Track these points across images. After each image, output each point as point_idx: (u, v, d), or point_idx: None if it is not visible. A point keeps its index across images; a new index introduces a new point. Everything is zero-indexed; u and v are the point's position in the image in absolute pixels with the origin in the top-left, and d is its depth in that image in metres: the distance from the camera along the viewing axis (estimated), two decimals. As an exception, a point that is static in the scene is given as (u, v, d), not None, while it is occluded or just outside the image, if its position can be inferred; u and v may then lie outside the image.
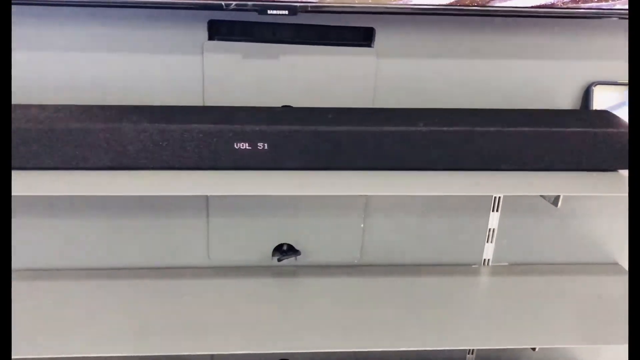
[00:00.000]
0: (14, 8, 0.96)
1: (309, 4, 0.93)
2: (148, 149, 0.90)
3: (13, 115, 0.91)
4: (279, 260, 1.17)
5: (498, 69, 1.09)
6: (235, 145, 0.90)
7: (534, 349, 1.16)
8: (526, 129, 0.95)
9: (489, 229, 1.21)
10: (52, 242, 1.14)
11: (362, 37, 1.05)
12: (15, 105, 0.96)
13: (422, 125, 0.93)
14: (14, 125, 0.88)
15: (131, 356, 0.99)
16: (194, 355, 1.16)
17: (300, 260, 1.19)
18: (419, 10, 0.96)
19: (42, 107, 0.95)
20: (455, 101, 1.10)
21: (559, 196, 1.02)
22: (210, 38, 1.02)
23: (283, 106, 1.07)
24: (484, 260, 1.24)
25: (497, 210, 1.19)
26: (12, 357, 0.95)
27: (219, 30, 1.03)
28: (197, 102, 1.06)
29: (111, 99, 1.04)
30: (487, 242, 1.22)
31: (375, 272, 1.20)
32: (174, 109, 0.98)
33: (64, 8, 0.98)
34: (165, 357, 1.14)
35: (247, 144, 0.91)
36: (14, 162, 0.89)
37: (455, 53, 1.07)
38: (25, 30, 0.99)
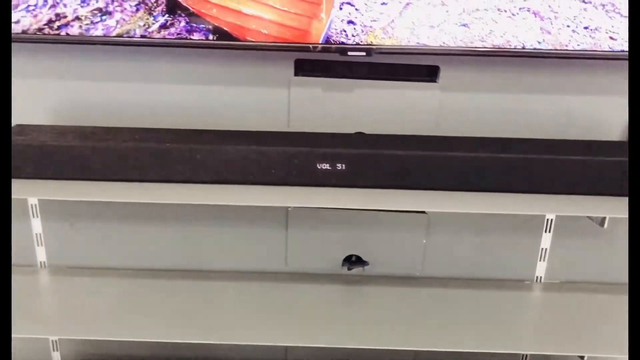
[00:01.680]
0: (136, 49, 1.16)
1: (383, 47, 1.08)
2: (244, 167, 1.07)
3: (136, 136, 1.10)
4: (348, 269, 1.31)
5: (551, 103, 1.21)
6: (317, 166, 1.06)
7: (582, 357, 1.25)
8: (576, 157, 1.07)
9: (542, 248, 1.32)
10: (158, 245, 1.33)
11: (428, 74, 1.20)
12: (138, 128, 1.16)
13: (481, 151, 1.07)
14: (135, 144, 1.07)
15: (215, 344, 1.14)
16: (267, 345, 1.31)
17: (367, 270, 1.33)
18: (478, 52, 1.10)
19: (157, 131, 1.14)
20: (511, 131, 1.22)
21: (604, 218, 1.13)
22: (296, 74, 1.20)
23: (356, 132, 1.22)
24: (537, 277, 1.34)
25: (549, 231, 1.30)
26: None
27: (303, 68, 1.20)
28: (282, 128, 1.23)
29: (211, 124, 1.22)
30: (540, 260, 1.33)
31: (435, 284, 1.33)
32: (265, 134, 1.15)
33: (177, 49, 1.17)
34: (242, 346, 1.30)
35: (327, 165, 1.06)
36: (132, 175, 1.08)
37: (511, 89, 1.20)
38: (144, 65, 1.20)
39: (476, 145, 1.11)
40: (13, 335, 1.13)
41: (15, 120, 1.21)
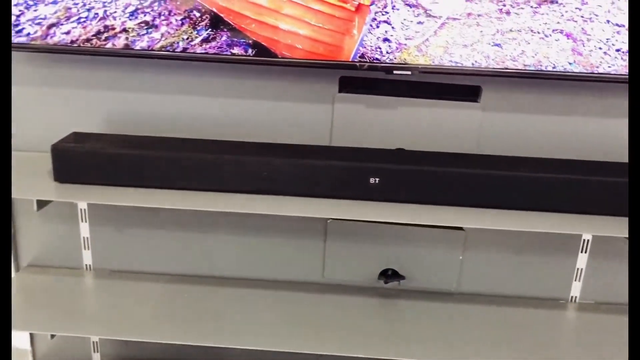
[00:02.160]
0: (196, 64, 1.21)
1: (428, 66, 1.11)
2: (287, 179, 1.11)
3: (185, 145, 1.14)
4: (385, 282, 1.33)
5: (590, 125, 1.23)
6: (358, 180, 1.09)
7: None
8: (615, 179, 1.09)
9: (578, 268, 1.33)
10: (200, 252, 1.37)
11: (470, 94, 1.22)
12: (186, 138, 1.21)
13: (520, 170, 1.09)
14: (183, 154, 1.11)
15: (250, 350, 1.17)
16: (301, 353, 1.34)
17: (403, 284, 1.35)
18: (521, 74, 1.13)
19: (203, 142, 1.19)
20: (551, 152, 1.24)
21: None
22: (340, 91, 1.23)
23: (397, 149, 1.25)
24: (572, 297, 1.35)
25: (585, 252, 1.31)
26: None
27: (347, 85, 1.23)
28: (325, 142, 1.27)
29: (258, 137, 1.26)
30: (575, 280, 1.34)
31: (470, 300, 1.34)
32: (308, 147, 1.19)
33: (227, 65, 1.22)
34: (275, 352, 1.32)
35: (369, 179, 1.09)
36: (179, 183, 1.12)
37: (551, 110, 1.22)
38: (192, 79, 1.24)
39: (515, 164, 1.13)
40: (56, 334, 1.18)
41: (72, 128, 1.27)
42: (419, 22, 1.09)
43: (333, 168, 1.10)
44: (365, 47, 1.11)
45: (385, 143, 1.25)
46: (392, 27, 1.10)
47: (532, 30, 1.09)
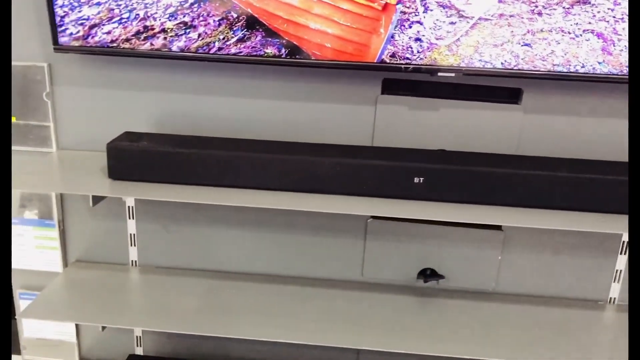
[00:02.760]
0: (238, 66, 1.25)
1: (471, 69, 1.14)
2: (330, 177, 1.14)
3: (230, 145, 1.18)
4: (424, 281, 1.36)
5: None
6: (414, 180, 1.12)
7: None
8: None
9: (617, 270, 1.34)
10: (241, 250, 1.41)
11: (511, 96, 1.25)
12: (231, 138, 1.24)
13: (560, 170, 1.11)
14: (229, 153, 1.15)
15: (289, 347, 1.20)
16: (341, 347, 1.36)
17: (441, 284, 1.37)
18: (560, 76, 1.15)
19: (248, 141, 1.22)
20: (590, 154, 1.26)
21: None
22: (383, 92, 1.26)
23: (439, 150, 1.27)
24: (610, 298, 1.36)
25: (624, 253, 1.32)
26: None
27: (390, 87, 1.26)
28: (367, 143, 1.29)
29: (302, 138, 1.30)
30: (614, 281, 1.35)
31: (508, 300, 1.36)
32: (351, 147, 1.22)
33: (272, 67, 1.25)
34: (313, 346, 1.35)
35: (412, 178, 1.12)
36: (225, 180, 1.16)
37: (591, 112, 1.24)
38: (237, 80, 1.28)
39: (555, 165, 1.15)
40: (101, 325, 1.22)
41: (122, 128, 1.31)
42: (451, 23, 1.12)
43: (378, 167, 1.13)
44: (396, 47, 1.13)
45: (426, 144, 1.28)
46: (424, 27, 1.12)
47: (562, 31, 1.11)
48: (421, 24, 1.12)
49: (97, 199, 1.19)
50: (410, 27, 1.12)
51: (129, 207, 1.39)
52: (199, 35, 1.17)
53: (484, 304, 1.35)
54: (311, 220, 1.36)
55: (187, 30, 1.17)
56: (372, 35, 1.13)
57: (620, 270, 1.34)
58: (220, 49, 1.17)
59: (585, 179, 1.11)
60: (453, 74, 1.14)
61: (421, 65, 1.14)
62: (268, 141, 1.24)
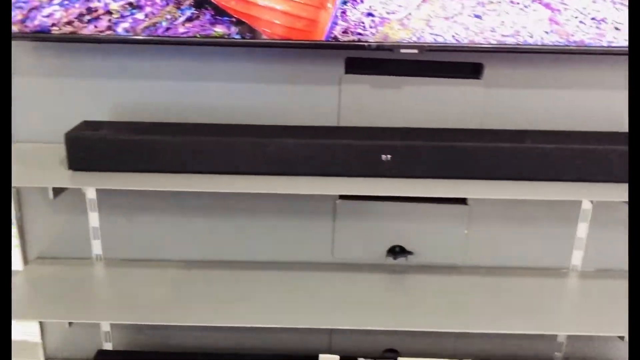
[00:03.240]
0: (207, 49, 1.22)
1: (434, 44, 1.14)
2: (297, 159, 1.13)
3: (193, 130, 1.16)
4: (394, 258, 1.37)
5: (589, 98, 1.27)
6: (382, 158, 1.12)
7: (622, 337, 1.30)
8: (610, 146, 1.13)
9: (578, 237, 1.38)
10: (208, 237, 1.39)
11: (473, 71, 1.26)
12: (194, 123, 1.22)
13: (529, 141, 1.13)
14: (192, 138, 1.13)
15: (260, 333, 1.19)
16: (314, 328, 1.36)
17: (410, 260, 1.39)
18: (519, 49, 1.16)
19: (211, 126, 1.20)
20: (552, 125, 1.29)
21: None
22: (346, 72, 1.26)
23: (404, 127, 1.28)
24: (573, 265, 1.40)
25: (585, 221, 1.36)
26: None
27: (353, 65, 1.26)
28: (333, 123, 1.29)
29: (265, 120, 1.28)
30: (576, 249, 1.39)
31: (475, 273, 1.38)
32: (317, 128, 1.21)
33: (233, 48, 1.23)
34: (286, 329, 1.35)
35: (377, 156, 1.12)
36: (189, 167, 1.14)
37: (552, 84, 1.26)
38: (199, 64, 1.26)
39: (518, 137, 1.17)
40: (68, 321, 1.19)
41: (80, 118, 1.27)
42: None
43: (345, 147, 1.13)
44: (348, 22, 1.13)
45: (391, 122, 1.28)
46: (380, 1, 1.12)
47: (512, 1, 1.12)
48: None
49: (57, 192, 1.15)
50: (362, 1, 1.12)
51: (90, 199, 1.35)
52: (146, 15, 1.13)
53: (452, 277, 1.37)
54: (279, 203, 1.35)
55: (133, 11, 1.13)
56: (320, 10, 1.12)
57: (582, 238, 1.38)
58: (168, 29, 1.14)
59: (545, 149, 1.13)
60: (416, 50, 1.15)
61: (383, 42, 1.14)
62: (231, 125, 1.22)
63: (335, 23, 1.13)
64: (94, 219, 1.36)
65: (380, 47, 1.15)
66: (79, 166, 1.13)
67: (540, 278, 1.37)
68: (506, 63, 1.25)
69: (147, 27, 1.14)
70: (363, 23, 1.13)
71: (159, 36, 1.14)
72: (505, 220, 1.37)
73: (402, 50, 1.15)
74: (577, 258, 1.40)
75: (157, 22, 1.13)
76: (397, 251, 1.38)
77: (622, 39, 1.15)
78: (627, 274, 1.39)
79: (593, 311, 1.24)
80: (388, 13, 1.13)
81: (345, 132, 1.19)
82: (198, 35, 1.14)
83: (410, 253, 1.37)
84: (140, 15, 1.13)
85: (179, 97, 1.28)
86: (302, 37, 1.14)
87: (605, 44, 1.15)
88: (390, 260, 1.39)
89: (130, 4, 1.12)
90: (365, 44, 1.14)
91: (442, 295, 1.30)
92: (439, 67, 1.26)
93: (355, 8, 1.12)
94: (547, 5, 1.13)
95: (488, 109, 1.28)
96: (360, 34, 1.13)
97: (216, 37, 1.14)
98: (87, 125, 1.19)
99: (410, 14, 1.13)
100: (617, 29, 1.14)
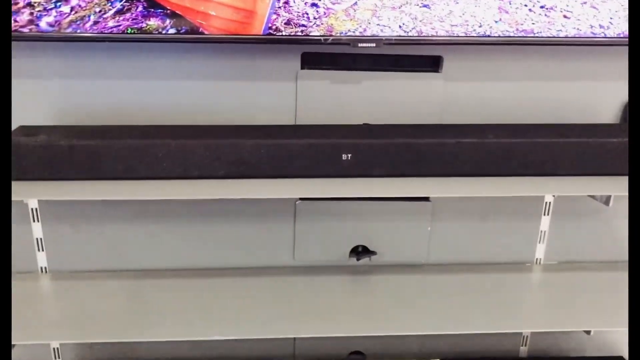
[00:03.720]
0: (152, 45, 1.15)
1: (392, 37, 1.10)
2: (252, 161, 1.08)
3: (139, 133, 1.09)
4: (357, 259, 1.32)
5: (549, 90, 1.25)
6: (342, 157, 1.08)
7: (588, 332, 1.30)
8: (576, 139, 1.12)
9: (541, 231, 1.36)
10: (162, 244, 1.32)
11: (432, 64, 1.22)
12: (140, 126, 1.15)
13: (491, 137, 1.10)
14: (137, 142, 1.06)
15: (221, 342, 1.13)
16: (276, 340, 1.31)
17: (374, 260, 1.35)
18: (480, 41, 1.14)
19: (159, 128, 1.13)
20: (512, 118, 1.26)
21: (610, 197, 1.18)
22: (302, 67, 1.20)
23: (363, 124, 1.23)
24: (536, 259, 1.39)
25: (547, 214, 1.35)
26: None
27: (310, 61, 1.20)
28: (290, 121, 1.24)
29: (218, 121, 1.22)
30: (539, 242, 1.37)
31: (440, 271, 1.36)
32: (274, 127, 1.16)
33: (178, 44, 1.16)
34: (251, 342, 1.30)
35: (349, 155, 1.08)
36: (136, 172, 1.07)
37: (512, 76, 1.24)
38: (140, 62, 1.18)
39: (479, 132, 1.14)
40: (13, 342, 1.11)
41: (16, 122, 1.18)
42: None
43: (304, 147, 1.08)
44: (291, 13, 1.08)
45: (350, 118, 1.24)
46: None
47: None
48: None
49: (-7, 203, 1.06)
50: None
51: (32, 209, 1.26)
52: (72, 8, 1.05)
53: (416, 276, 1.34)
54: (236, 205, 1.29)
55: (58, 4, 1.05)
56: (257, 1, 1.06)
57: (544, 232, 1.37)
58: (96, 22, 1.06)
59: (508, 143, 1.11)
60: (374, 44, 1.10)
61: (341, 36, 1.10)
62: (181, 126, 1.15)
63: (275, 13, 1.07)
64: (37, 229, 1.28)
65: (337, 42, 1.10)
66: (17, 175, 1.05)
67: (505, 273, 1.36)
68: (465, 55, 1.22)
69: (73, 22, 1.05)
70: (307, 14, 1.08)
71: (85, 33, 1.06)
72: (469, 216, 1.34)
73: (360, 45, 1.10)
74: (540, 251, 1.39)
75: (84, 16, 1.05)
76: (359, 251, 1.34)
77: (571, 27, 1.13)
78: (592, 265, 1.39)
79: (558, 305, 1.23)
80: (333, 3, 1.08)
81: (303, 131, 1.14)
82: (130, 30, 1.07)
83: (373, 253, 1.33)
84: (65, 9, 1.05)
85: (122, 97, 1.20)
86: (240, 29, 1.08)
87: (556, 34, 1.13)
88: (354, 261, 1.35)
89: None
90: (322, 38, 1.09)
91: (407, 297, 1.27)
92: (398, 61, 1.22)
93: None
94: None
95: (447, 103, 1.25)
96: (304, 25, 1.08)
97: (150, 30, 1.07)
98: (23, 130, 1.10)
99: (356, 3, 1.08)
100: (566, 17, 1.13)
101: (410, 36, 1.11)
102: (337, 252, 1.34)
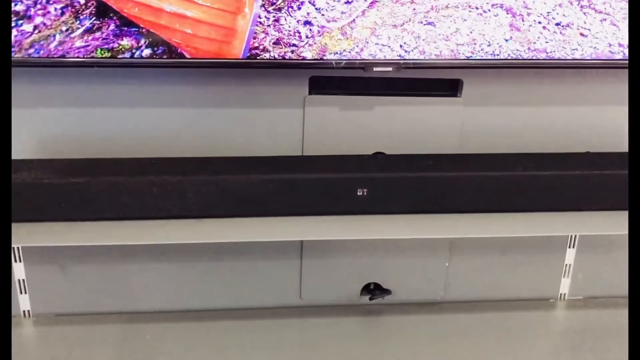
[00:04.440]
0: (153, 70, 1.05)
1: (411, 61, 1.01)
2: (257, 198, 0.98)
3: (132, 168, 0.98)
4: (370, 299, 1.22)
5: (578, 115, 1.17)
6: (357, 193, 0.98)
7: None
8: (613, 172, 1.03)
9: (566, 264, 1.27)
10: (159, 285, 1.21)
11: (449, 88, 1.13)
12: (131, 159, 1.04)
13: (520, 169, 1.01)
14: (130, 178, 0.95)
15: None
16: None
17: (386, 298, 1.24)
18: (500, 64, 1.05)
19: (156, 161, 1.03)
20: (531, 145, 1.17)
21: None
22: (310, 93, 1.10)
23: (376, 153, 1.14)
24: (561, 294, 1.29)
25: (573, 247, 1.25)
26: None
27: (318, 85, 1.10)
28: (297, 151, 1.13)
29: (218, 150, 1.11)
30: (564, 276, 1.28)
31: (459, 309, 1.26)
32: (280, 159, 1.06)
33: (183, 69, 1.06)
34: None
35: (365, 190, 0.98)
36: (128, 212, 0.96)
37: (533, 101, 1.15)
38: (132, 88, 1.08)
39: (503, 163, 1.05)
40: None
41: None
42: (347, 2, 0.98)
43: (316, 181, 0.98)
44: (281, 32, 0.98)
45: (361, 147, 1.13)
46: (316, 9, 0.98)
47: (470, 6, 1.01)
48: (313, 4, 0.97)
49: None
50: (300, 8, 0.97)
51: (14, 248, 1.15)
52: (35, 27, 0.95)
53: (433, 316, 1.24)
54: (239, 244, 1.18)
55: (19, 22, 0.94)
56: (237, 17, 0.97)
57: (570, 265, 1.27)
58: (61, 43, 0.96)
59: (538, 176, 1.02)
60: (390, 68, 1.01)
61: (355, 60, 1.00)
62: (179, 159, 1.04)
63: (263, 32, 0.97)
64: (19, 270, 1.16)
65: (350, 66, 1.00)
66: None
67: (528, 311, 1.26)
68: (486, 78, 1.12)
69: (35, 42, 0.95)
70: (299, 32, 0.98)
71: (70, 57, 0.96)
72: (489, 250, 1.24)
73: (376, 69, 1.01)
74: (565, 286, 1.29)
75: (49, 35, 0.95)
76: (371, 288, 1.24)
77: (587, 46, 1.04)
78: (615, 300, 1.29)
79: (583, 345, 1.14)
80: (328, 21, 0.98)
81: (315, 163, 1.03)
82: (99, 51, 0.96)
83: (388, 292, 1.22)
84: (27, 27, 0.94)
85: (110, 126, 1.10)
86: (219, 49, 0.98)
87: (570, 53, 1.04)
88: (365, 300, 1.24)
89: (16, 12, 0.93)
90: (333, 62, 1.00)
91: (424, 340, 1.17)
92: (412, 85, 1.12)
93: (291, 15, 0.97)
94: (509, 10, 1.02)
95: (467, 129, 1.15)
96: (295, 45, 0.99)
97: (122, 50, 0.97)
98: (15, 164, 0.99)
99: (354, 21, 0.99)
100: (582, 35, 1.04)
101: (431, 59, 1.01)
102: (347, 291, 1.24)
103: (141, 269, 1.19)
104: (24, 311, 1.19)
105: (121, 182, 0.95)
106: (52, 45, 0.96)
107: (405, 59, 1.01)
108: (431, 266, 1.24)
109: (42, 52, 0.96)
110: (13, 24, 0.94)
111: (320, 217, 1.00)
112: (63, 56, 0.96)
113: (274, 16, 0.98)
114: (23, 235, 0.93)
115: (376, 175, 0.99)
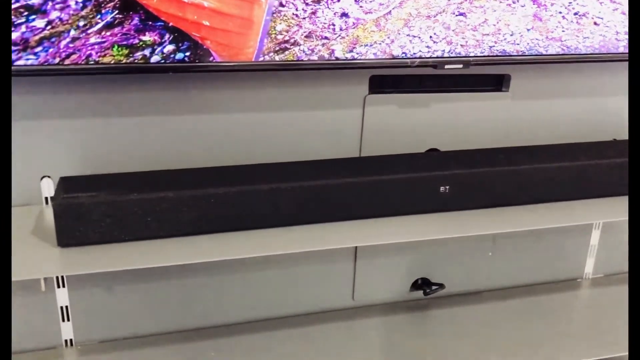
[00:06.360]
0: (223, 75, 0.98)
1: (480, 58, 1.02)
2: (326, 202, 0.96)
3: (177, 179, 0.93)
4: (425, 294, 1.23)
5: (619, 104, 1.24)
6: (440, 190, 0.98)
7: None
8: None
9: (591, 245, 1.35)
10: (213, 297, 1.15)
11: (495, 83, 1.16)
12: (178, 170, 0.98)
13: (583, 159, 1.06)
14: (177, 193, 0.90)
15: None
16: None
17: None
18: (547, 59, 1.09)
19: (203, 171, 0.98)
20: (582, 135, 1.23)
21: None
22: (370, 92, 1.09)
23: (429, 149, 1.15)
24: (585, 274, 1.37)
25: (598, 229, 1.33)
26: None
27: (377, 84, 1.09)
28: (354, 151, 1.12)
29: (274, 155, 1.08)
30: (589, 257, 1.36)
31: (498, 296, 1.30)
32: (339, 161, 1.04)
33: (243, 72, 1.01)
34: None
35: (447, 187, 0.98)
36: (181, 229, 0.92)
37: (579, 93, 1.21)
38: (217, 94, 1.02)
39: (566, 154, 1.09)
40: None
41: (38, 173, 0.97)
42: None
43: (399, 181, 0.97)
44: (315, 24, 0.97)
45: (415, 145, 1.14)
46: (355, 1, 0.97)
47: None
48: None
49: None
50: (338, 0, 0.96)
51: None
52: (49, 23, 0.87)
53: (477, 305, 1.27)
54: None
55: (31, 17, 0.86)
56: (253, 6, 0.94)
57: (594, 245, 1.35)
58: (75, 39, 0.88)
59: (601, 165, 1.07)
60: (461, 65, 1.02)
61: (428, 58, 1.00)
62: (244, 166, 0.99)
63: (297, 25, 0.95)
64: (62, 296, 1.06)
65: (424, 65, 1.00)
66: (71, 241, 0.86)
67: (561, 292, 1.33)
68: (532, 72, 1.16)
69: (44, 39, 0.87)
70: (333, 25, 0.97)
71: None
72: (527, 237, 1.30)
73: (447, 67, 1.02)
74: (589, 266, 1.37)
75: (61, 32, 0.87)
76: (419, 284, 1.25)
77: (598, 34, 1.11)
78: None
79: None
80: (365, 12, 0.98)
81: (392, 163, 1.02)
82: (115, 47, 0.90)
83: (442, 286, 1.24)
84: (39, 23, 0.86)
85: (167, 136, 1.03)
86: (235, 41, 0.94)
87: (582, 41, 1.10)
88: (413, 295, 1.25)
89: (29, 7, 0.84)
90: (409, 61, 0.99)
91: (472, 330, 1.20)
92: (465, 81, 1.14)
93: (328, 8, 0.96)
94: (535, 0, 1.05)
95: (515, 122, 1.19)
96: (327, 38, 0.97)
97: (142, 47, 0.91)
98: (67, 183, 0.89)
99: (390, 12, 0.99)
100: (596, 23, 1.10)
101: (496, 55, 1.03)
102: (397, 288, 1.25)
103: (184, 284, 1.12)
104: (65, 340, 1.09)
105: (193, 195, 0.89)
106: (62, 43, 0.88)
107: (474, 56, 1.02)
108: (476, 257, 1.27)
109: (50, 50, 0.88)
110: (24, 20, 0.84)
111: (406, 217, 0.99)
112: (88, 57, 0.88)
113: (312, 9, 0.95)
114: (105, 261, 0.85)
115: (457, 172, 0.99)
